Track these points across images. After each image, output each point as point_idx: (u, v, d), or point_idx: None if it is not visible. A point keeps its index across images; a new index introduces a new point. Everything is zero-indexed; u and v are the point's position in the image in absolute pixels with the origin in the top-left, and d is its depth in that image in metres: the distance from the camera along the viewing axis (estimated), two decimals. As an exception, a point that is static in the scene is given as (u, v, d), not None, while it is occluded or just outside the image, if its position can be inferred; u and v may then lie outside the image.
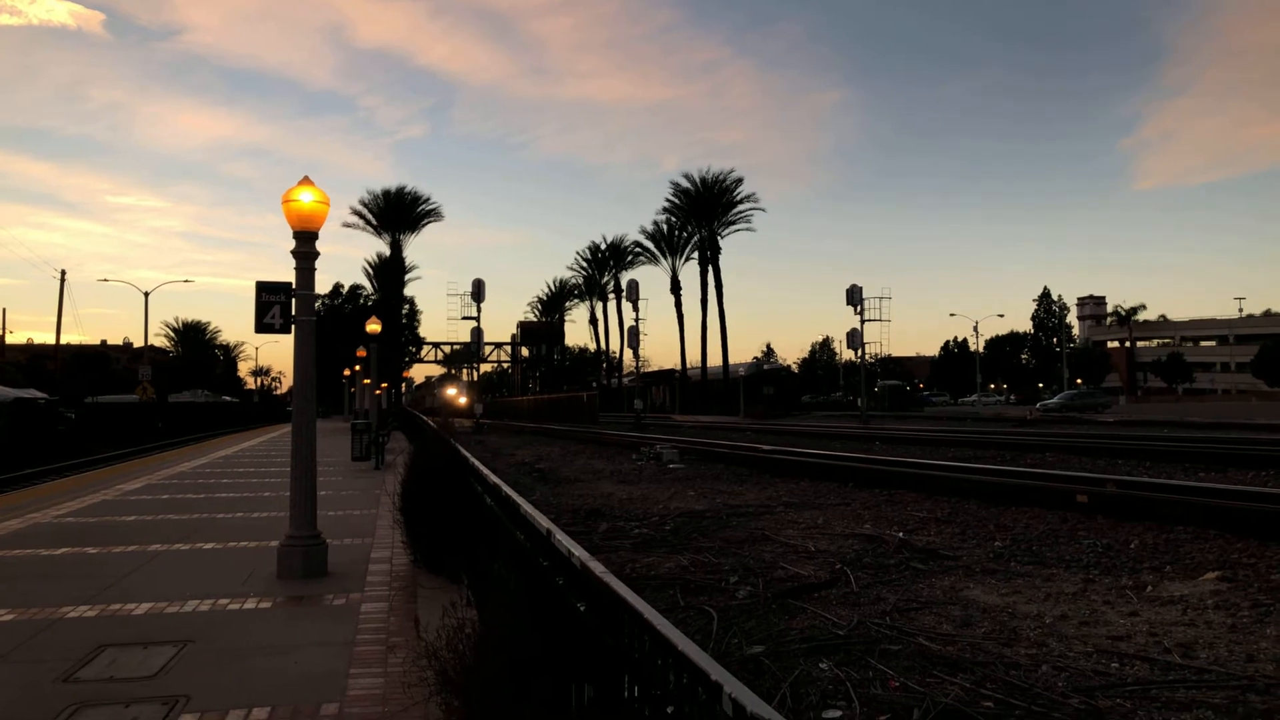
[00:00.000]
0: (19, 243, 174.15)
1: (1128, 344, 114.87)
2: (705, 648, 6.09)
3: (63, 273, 53.35)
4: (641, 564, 9.40)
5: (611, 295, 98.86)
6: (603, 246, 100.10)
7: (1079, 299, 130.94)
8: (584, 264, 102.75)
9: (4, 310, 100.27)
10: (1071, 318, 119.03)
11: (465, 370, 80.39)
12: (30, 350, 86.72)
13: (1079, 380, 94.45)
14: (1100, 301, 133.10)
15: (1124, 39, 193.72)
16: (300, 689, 5.08)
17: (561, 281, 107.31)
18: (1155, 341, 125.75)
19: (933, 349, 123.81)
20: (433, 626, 4.37)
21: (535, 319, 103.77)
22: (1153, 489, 12.18)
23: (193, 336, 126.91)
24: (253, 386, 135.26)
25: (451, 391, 77.79)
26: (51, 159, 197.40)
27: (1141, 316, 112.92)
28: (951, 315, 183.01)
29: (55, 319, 53.92)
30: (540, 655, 3.30)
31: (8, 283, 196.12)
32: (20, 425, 33.63)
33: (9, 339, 68.42)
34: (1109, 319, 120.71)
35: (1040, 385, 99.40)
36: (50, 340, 62.44)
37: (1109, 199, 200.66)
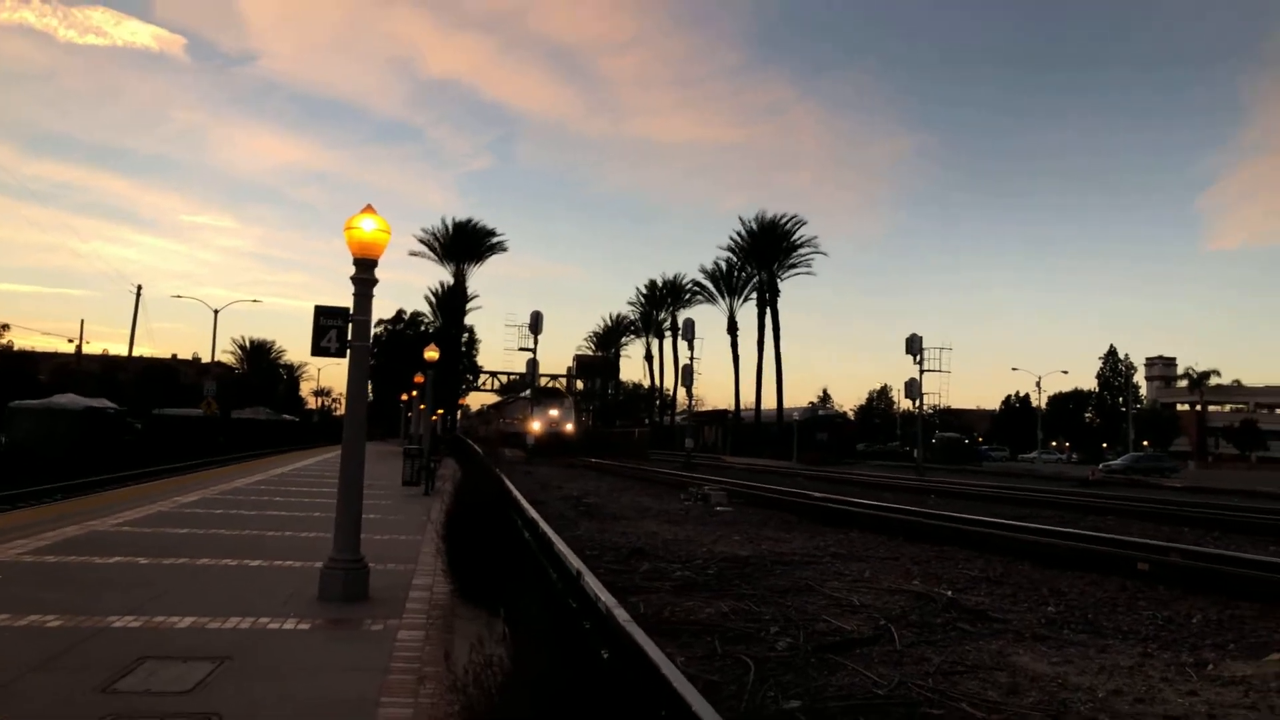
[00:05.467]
0: (98, 256, 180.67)
1: (1199, 408, 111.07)
2: (740, 699, 5.98)
3: (139, 288, 55.25)
4: (680, 608, 9.27)
5: (667, 332, 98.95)
6: (660, 284, 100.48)
7: (1148, 359, 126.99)
8: (641, 300, 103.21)
9: (82, 321, 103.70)
10: (1139, 378, 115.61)
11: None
12: (105, 360, 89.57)
13: (1145, 442, 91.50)
14: (1170, 363, 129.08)
15: (1203, 95, 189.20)
16: (329, 714, 5.09)
17: (618, 317, 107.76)
18: (1228, 407, 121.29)
19: (993, 402, 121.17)
20: (463, 660, 4.34)
21: (591, 353, 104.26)
22: (1220, 561, 11.68)
23: (258, 355, 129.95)
24: (313, 406, 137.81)
25: (555, 413, 58.37)
26: (131, 176, 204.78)
27: (1214, 382, 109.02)
28: (1014, 369, 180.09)
29: (129, 331, 55.65)
30: (564, 696, 3.25)
31: (86, 294, 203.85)
32: (90, 433, 34.78)
33: (85, 349, 70.90)
34: (1179, 381, 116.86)
35: (1104, 445, 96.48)
36: (124, 352, 64.57)
37: (1182, 258, 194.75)
